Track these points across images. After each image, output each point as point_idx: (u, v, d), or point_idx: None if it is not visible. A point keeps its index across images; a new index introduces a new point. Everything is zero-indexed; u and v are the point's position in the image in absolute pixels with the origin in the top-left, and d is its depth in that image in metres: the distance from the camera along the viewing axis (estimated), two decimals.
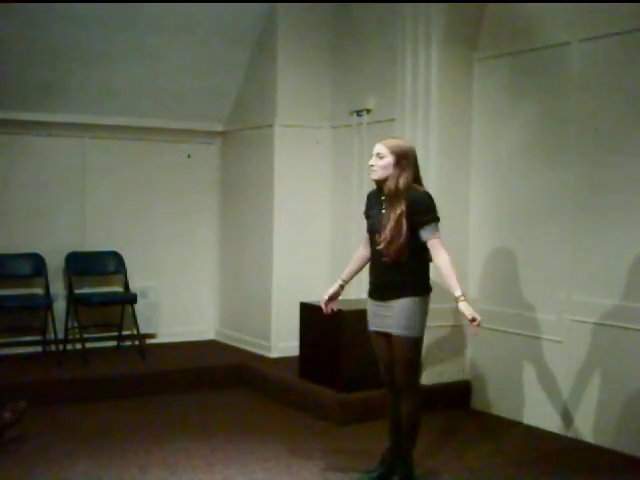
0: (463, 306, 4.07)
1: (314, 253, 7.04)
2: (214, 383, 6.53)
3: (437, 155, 5.85)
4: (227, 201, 7.72)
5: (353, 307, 5.64)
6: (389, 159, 4.17)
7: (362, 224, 6.43)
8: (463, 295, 4.09)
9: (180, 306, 7.66)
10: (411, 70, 5.93)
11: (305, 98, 7.00)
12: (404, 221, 4.11)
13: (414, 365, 4.29)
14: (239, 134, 7.53)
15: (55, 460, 4.75)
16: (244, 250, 7.42)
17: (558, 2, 5.35)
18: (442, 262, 4.13)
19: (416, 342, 4.24)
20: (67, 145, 7.19)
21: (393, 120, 6.13)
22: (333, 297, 4.49)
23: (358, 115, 6.67)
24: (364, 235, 4.45)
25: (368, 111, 6.59)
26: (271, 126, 6.94)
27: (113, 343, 7.28)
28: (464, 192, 5.98)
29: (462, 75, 5.94)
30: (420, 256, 4.18)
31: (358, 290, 5.92)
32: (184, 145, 7.68)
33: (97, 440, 5.16)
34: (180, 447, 5.02)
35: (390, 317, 4.21)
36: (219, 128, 7.71)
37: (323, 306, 4.51)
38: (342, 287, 4.49)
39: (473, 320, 4.03)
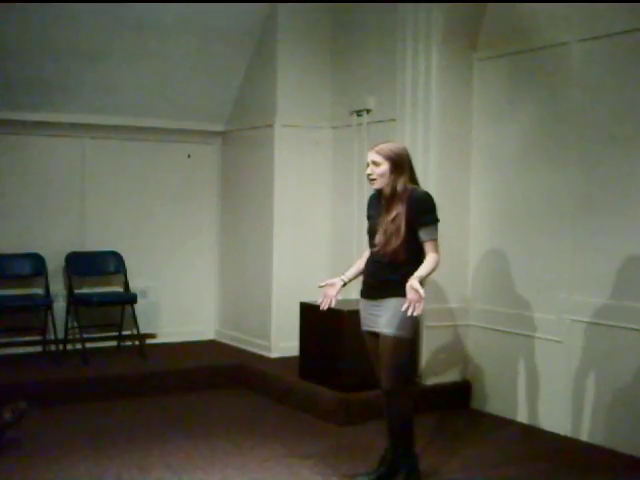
0: (414, 282, 3.98)
1: (314, 253, 7.04)
2: (214, 383, 6.52)
3: (437, 155, 5.85)
4: (227, 201, 7.72)
5: (353, 307, 5.63)
6: (385, 166, 4.19)
7: (362, 224, 6.48)
8: (420, 278, 4.02)
9: (180, 306, 7.66)
10: (411, 70, 5.93)
11: (305, 98, 7.00)
12: (402, 222, 4.13)
13: (399, 367, 4.21)
14: (239, 134, 7.53)
15: (55, 460, 4.75)
16: (244, 250, 7.42)
17: (558, 2, 5.35)
18: (429, 258, 4.13)
19: (403, 343, 4.19)
20: (67, 145, 7.19)
21: (393, 120, 6.13)
22: (332, 289, 4.36)
23: (358, 115, 6.67)
24: (367, 238, 4.43)
25: (368, 111, 6.59)
26: (271, 126, 6.94)
27: (113, 343, 7.28)
28: (464, 192, 5.98)
29: (462, 75, 5.94)
30: (417, 257, 4.17)
31: (358, 290, 5.91)
32: (184, 145, 7.68)
33: (97, 440, 5.16)
34: (180, 447, 5.02)
35: (380, 316, 4.21)
36: (219, 128, 7.71)
37: (321, 299, 4.37)
38: (343, 284, 4.43)
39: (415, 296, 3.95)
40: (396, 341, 4.17)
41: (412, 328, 4.22)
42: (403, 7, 5.97)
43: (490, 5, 5.85)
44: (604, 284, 5.08)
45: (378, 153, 4.21)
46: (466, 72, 5.95)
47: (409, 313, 3.99)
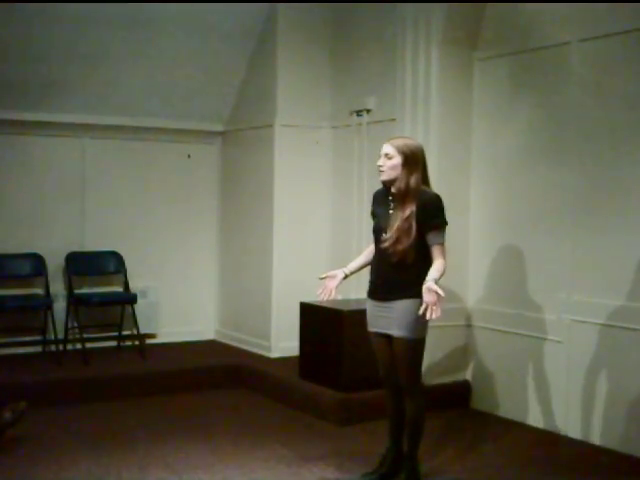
0: (431, 284, 3.95)
1: (314, 253, 7.03)
2: (214, 383, 6.52)
3: (437, 155, 5.83)
4: (227, 201, 7.72)
5: (353, 307, 5.64)
6: (397, 159, 4.14)
7: (362, 224, 6.49)
8: (435, 281, 3.98)
9: (180, 306, 7.66)
10: (411, 70, 5.93)
11: (305, 98, 7.00)
12: (413, 222, 4.08)
13: (416, 367, 4.26)
14: (239, 134, 7.53)
15: (55, 460, 4.75)
16: (244, 250, 7.42)
17: (558, 2, 5.35)
18: (436, 264, 4.10)
19: (417, 344, 4.21)
20: (67, 145, 7.19)
21: (393, 120, 6.13)
22: (333, 281, 4.31)
23: (358, 115, 6.67)
24: (371, 235, 4.39)
25: (368, 111, 6.59)
26: (271, 126, 6.94)
27: (113, 343, 7.28)
28: (464, 192, 5.98)
29: (462, 75, 5.94)
30: (426, 258, 4.13)
31: (358, 290, 5.91)
32: (184, 145, 7.68)
33: (97, 440, 5.16)
34: (180, 447, 5.02)
35: (391, 318, 4.18)
36: (219, 128, 7.71)
37: (320, 290, 4.31)
38: (345, 277, 4.37)
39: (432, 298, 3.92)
40: (411, 343, 4.17)
41: (425, 328, 4.21)
42: (403, 7, 5.97)
43: (490, 5, 5.85)
44: (604, 284, 5.08)
45: (392, 145, 4.17)
46: (466, 72, 5.95)
47: (427, 317, 3.95)
